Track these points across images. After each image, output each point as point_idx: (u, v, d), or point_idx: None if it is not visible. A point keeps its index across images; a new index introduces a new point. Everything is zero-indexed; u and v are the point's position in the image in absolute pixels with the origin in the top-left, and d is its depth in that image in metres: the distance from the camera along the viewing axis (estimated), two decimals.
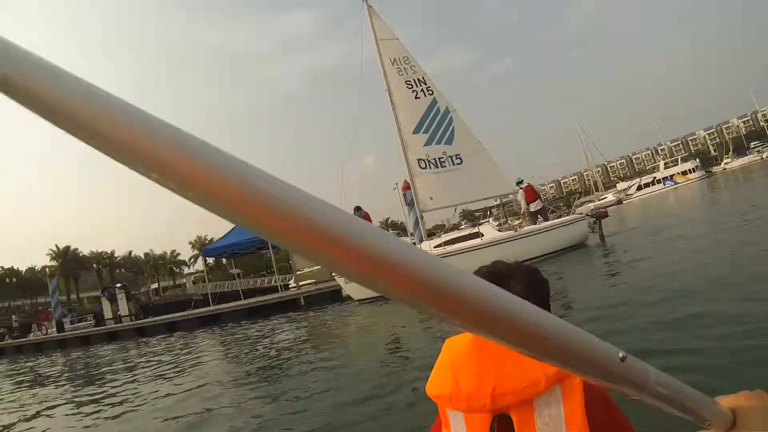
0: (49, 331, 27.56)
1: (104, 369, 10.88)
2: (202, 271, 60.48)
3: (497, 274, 0.96)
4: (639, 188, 61.17)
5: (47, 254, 74.22)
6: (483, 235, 12.81)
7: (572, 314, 5.74)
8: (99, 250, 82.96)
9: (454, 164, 14.54)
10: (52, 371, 13.05)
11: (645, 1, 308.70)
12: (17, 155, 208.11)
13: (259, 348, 9.20)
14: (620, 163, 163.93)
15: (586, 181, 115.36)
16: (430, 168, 14.39)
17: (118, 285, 26.36)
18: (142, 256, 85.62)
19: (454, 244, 13.02)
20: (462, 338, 0.92)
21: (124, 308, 22.85)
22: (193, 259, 75.81)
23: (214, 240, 31.75)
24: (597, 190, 72.25)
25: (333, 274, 14.36)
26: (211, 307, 19.98)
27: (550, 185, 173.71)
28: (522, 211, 15.39)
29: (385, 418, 3.68)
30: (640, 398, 0.42)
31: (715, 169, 72.88)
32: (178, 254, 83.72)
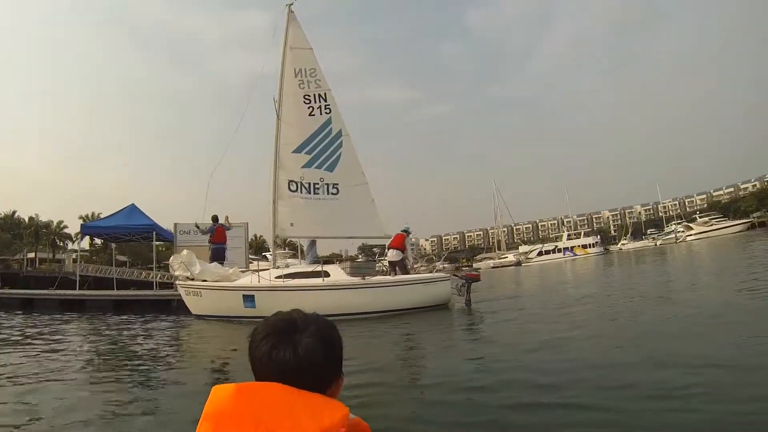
0: None
1: None
2: (86, 251, 55.40)
3: (291, 322, 0.92)
4: (540, 254, 64.51)
5: None
6: (328, 276, 11.64)
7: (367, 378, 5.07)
8: None
9: (328, 193, 13.45)
10: None
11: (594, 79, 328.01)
12: None
13: (92, 344, 8.85)
14: (526, 227, 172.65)
15: (491, 239, 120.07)
16: (301, 192, 13.22)
17: None
18: (26, 220, 76.83)
19: (296, 279, 11.73)
20: (228, 388, 0.85)
21: None
22: (79, 236, 68.84)
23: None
24: (500, 249, 75.32)
25: (176, 283, 13.07)
26: (75, 291, 18.50)
27: (455, 236, 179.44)
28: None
29: None
30: None
31: (613, 247, 78.73)
32: (65, 226, 76.06)
